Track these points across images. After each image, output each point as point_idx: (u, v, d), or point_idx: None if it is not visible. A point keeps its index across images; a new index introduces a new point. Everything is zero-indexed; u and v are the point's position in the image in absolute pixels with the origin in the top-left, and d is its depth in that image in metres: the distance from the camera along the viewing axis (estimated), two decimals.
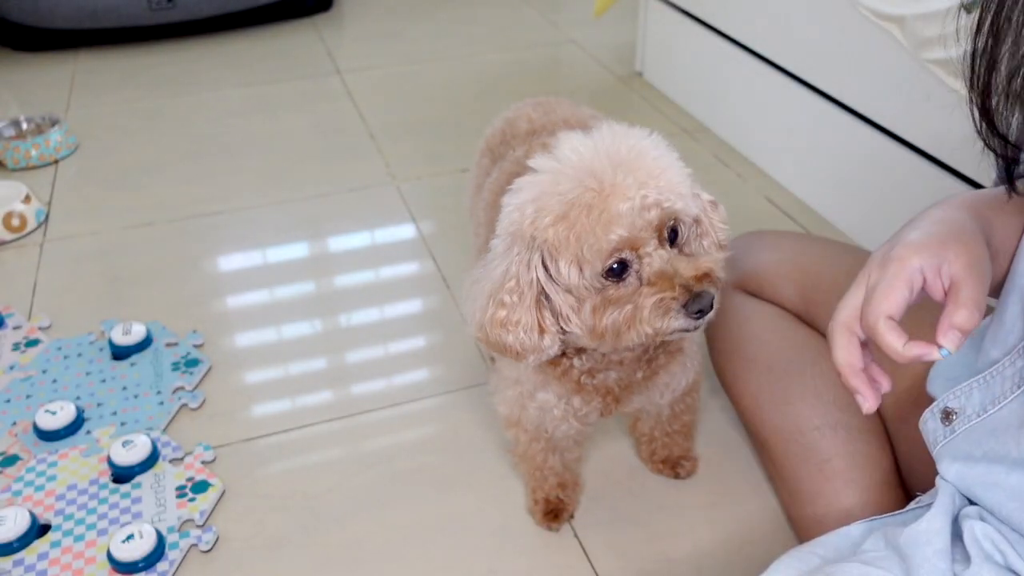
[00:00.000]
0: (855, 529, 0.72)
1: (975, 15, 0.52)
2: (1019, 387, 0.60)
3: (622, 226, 0.66)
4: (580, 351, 0.80)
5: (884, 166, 1.40)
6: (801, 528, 0.92)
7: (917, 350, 0.55)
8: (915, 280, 0.58)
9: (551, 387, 0.85)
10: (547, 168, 0.70)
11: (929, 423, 0.67)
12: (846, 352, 0.61)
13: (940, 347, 0.55)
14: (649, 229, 0.67)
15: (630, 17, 2.22)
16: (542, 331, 0.71)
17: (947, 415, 0.66)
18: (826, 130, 1.53)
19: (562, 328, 0.72)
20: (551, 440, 0.95)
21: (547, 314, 0.71)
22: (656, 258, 0.68)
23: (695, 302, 0.67)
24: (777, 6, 1.60)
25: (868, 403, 0.61)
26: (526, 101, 1.09)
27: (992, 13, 0.51)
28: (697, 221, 0.73)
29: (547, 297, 0.71)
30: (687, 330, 0.69)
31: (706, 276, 0.69)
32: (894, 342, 0.56)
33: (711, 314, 0.69)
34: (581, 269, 0.68)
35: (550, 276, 0.70)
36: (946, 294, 0.58)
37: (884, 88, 1.37)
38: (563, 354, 0.80)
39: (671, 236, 0.70)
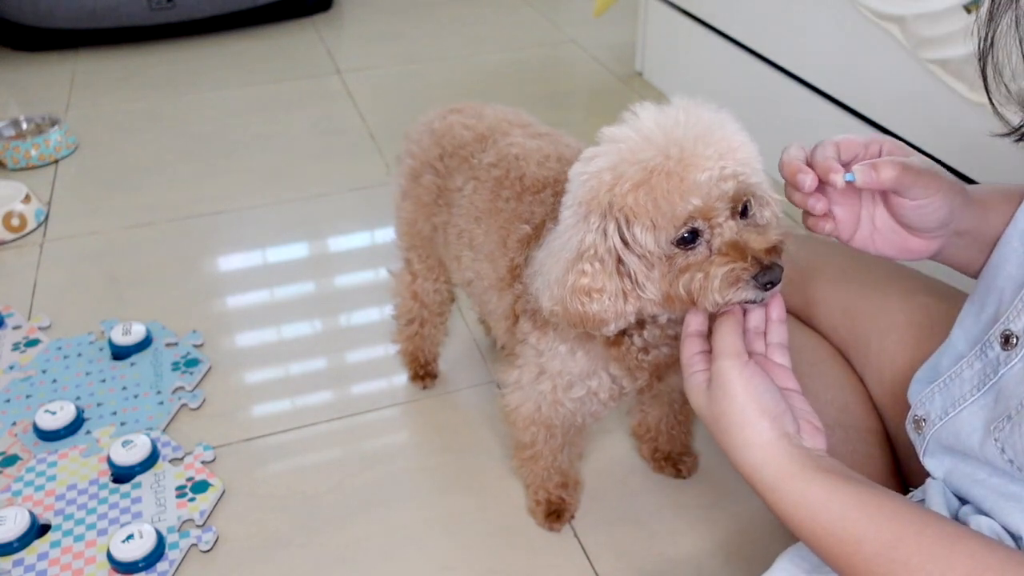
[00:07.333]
0: None
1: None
2: (979, 390, 0.61)
3: (699, 195, 0.66)
4: (641, 326, 0.81)
5: None
6: None
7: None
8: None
9: (603, 369, 0.85)
10: (623, 137, 0.70)
11: (910, 433, 0.68)
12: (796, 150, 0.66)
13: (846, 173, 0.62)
14: (724, 200, 0.67)
15: (630, 17, 2.22)
16: (626, 297, 0.72)
17: (917, 423, 0.67)
18: (826, 130, 1.53)
19: (639, 295, 0.72)
20: (567, 434, 0.95)
21: (626, 280, 0.72)
22: (728, 229, 0.68)
23: (765, 274, 0.67)
24: (777, 6, 1.60)
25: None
26: (437, 112, 1.04)
27: None
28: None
29: (622, 263, 0.72)
30: (754, 301, 0.69)
31: (775, 249, 0.69)
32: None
33: (779, 286, 0.68)
34: (655, 235, 0.69)
35: (626, 243, 0.71)
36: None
37: (884, 88, 1.37)
38: (623, 332, 0.81)
39: (743, 210, 0.70)
